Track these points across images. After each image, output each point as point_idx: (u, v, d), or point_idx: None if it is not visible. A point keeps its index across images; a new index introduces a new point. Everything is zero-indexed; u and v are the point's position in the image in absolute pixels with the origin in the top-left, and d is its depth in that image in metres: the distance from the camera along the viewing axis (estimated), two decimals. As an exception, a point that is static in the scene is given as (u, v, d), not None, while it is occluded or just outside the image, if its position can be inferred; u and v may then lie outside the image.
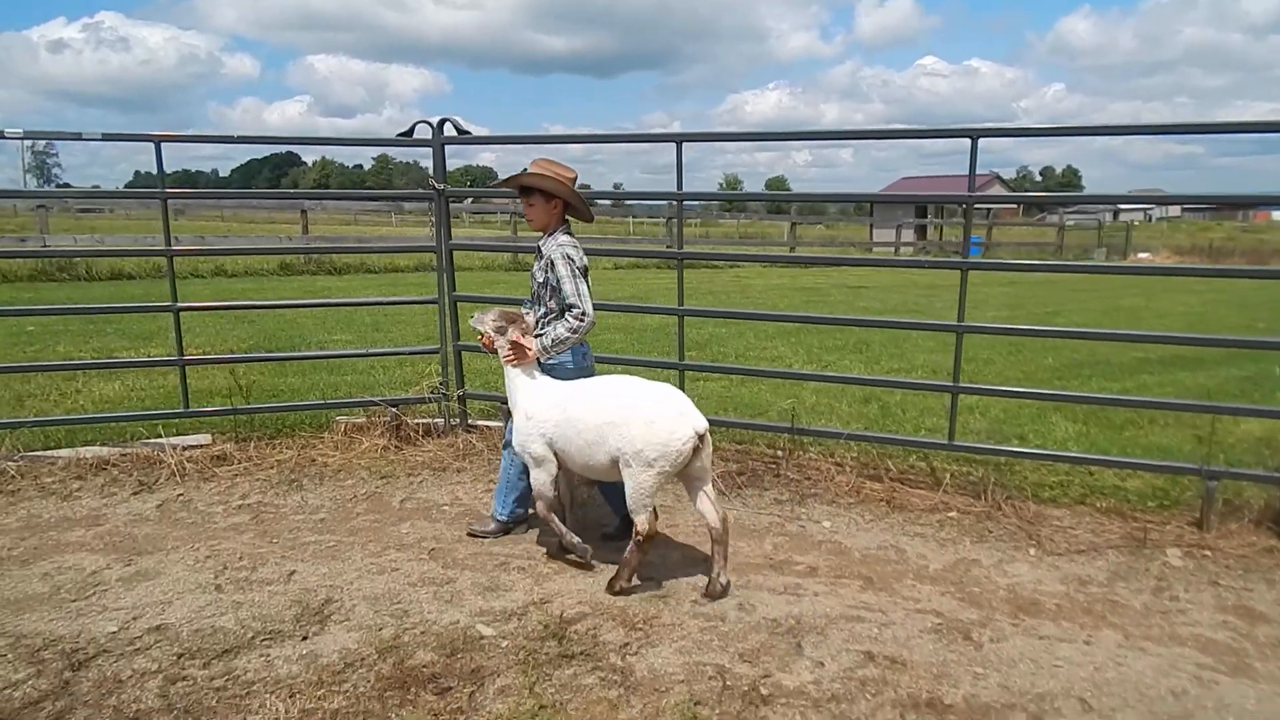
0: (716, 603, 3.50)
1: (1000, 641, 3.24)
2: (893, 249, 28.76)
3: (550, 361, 3.90)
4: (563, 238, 3.95)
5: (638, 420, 3.43)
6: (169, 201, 4.96)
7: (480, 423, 5.63)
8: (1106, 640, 3.28)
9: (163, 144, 4.68)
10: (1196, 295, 16.16)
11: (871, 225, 31.93)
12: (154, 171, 4.84)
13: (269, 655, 3.11)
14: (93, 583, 3.67)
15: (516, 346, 3.82)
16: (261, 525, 4.34)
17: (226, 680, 2.93)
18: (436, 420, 5.59)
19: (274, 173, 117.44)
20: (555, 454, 3.74)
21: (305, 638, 3.23)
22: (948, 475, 4.77)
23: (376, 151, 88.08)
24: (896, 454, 5.04)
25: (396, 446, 5.38)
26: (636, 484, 3.46)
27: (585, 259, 3.96)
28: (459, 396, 5.50)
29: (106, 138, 4.68)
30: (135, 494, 4.71)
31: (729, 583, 3.58)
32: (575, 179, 3.99)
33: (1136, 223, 47.46)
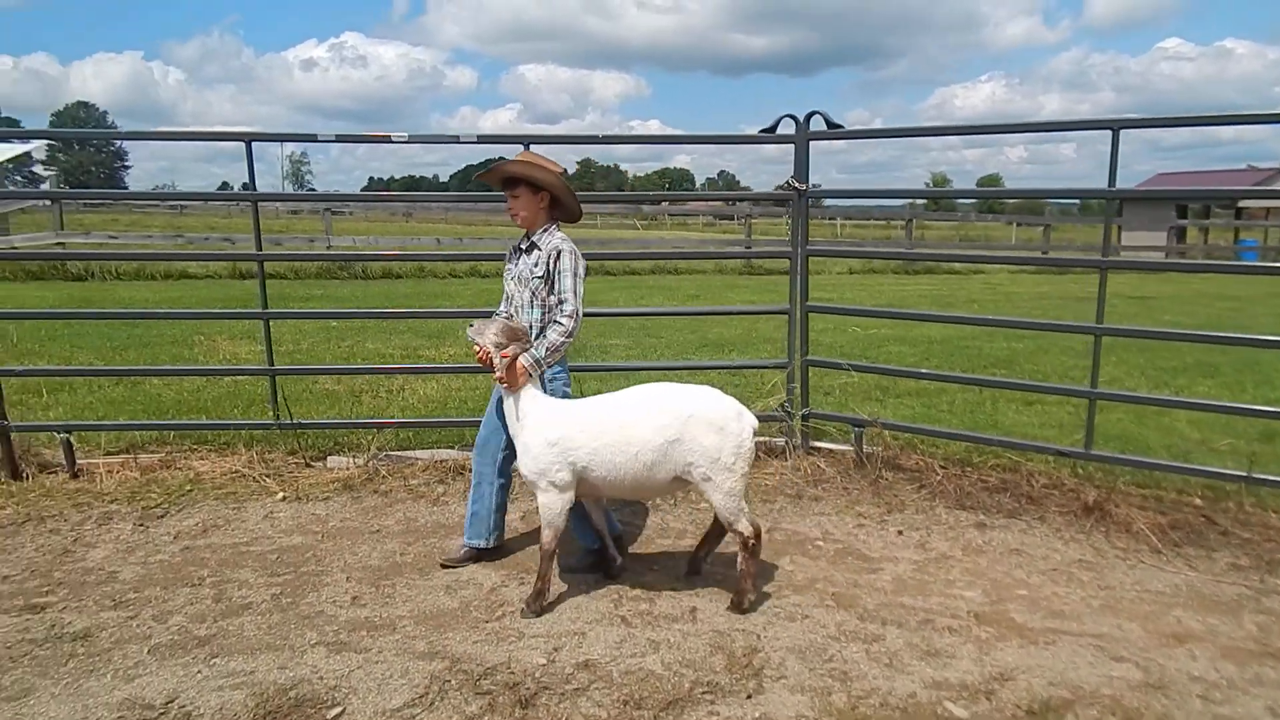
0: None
1: None
2: (1162, 253, 25.58)
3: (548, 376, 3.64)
4: (560, 234, 3.68)
5: (704, 428, 3.25)
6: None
7: (823, 445, 5.17)
8: None
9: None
10: None
11: (1119, 226, 28.75)
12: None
13: (718, 713, 2.78)
14: (497, 600, 3.55)
15: (510, 366, 3.40)
16: (631, 549, 4.11)
17: (694, 743, 2.62)
18: (776, 440, 5.20)
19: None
20: (588, 480, 3.36)
21: (749, 696, 2.88)
22: None
23: (586, 153, 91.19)
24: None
25: (738, 466, 5.03)
26: (724, 490, 3.30)
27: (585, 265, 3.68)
28: (803, 416, 5.07)
29: (482, 138, 4.67)
30: (494, 502, 4.65)
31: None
32: (563, 173, 3.68)
33: None
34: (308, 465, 5.07)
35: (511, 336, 3.43)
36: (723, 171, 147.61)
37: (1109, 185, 4.28)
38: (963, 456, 5.00)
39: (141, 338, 9.13)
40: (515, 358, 3.40)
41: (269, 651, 3.12)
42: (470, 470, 3.93)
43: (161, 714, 2.74)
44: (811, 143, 4.73)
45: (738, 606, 3.42)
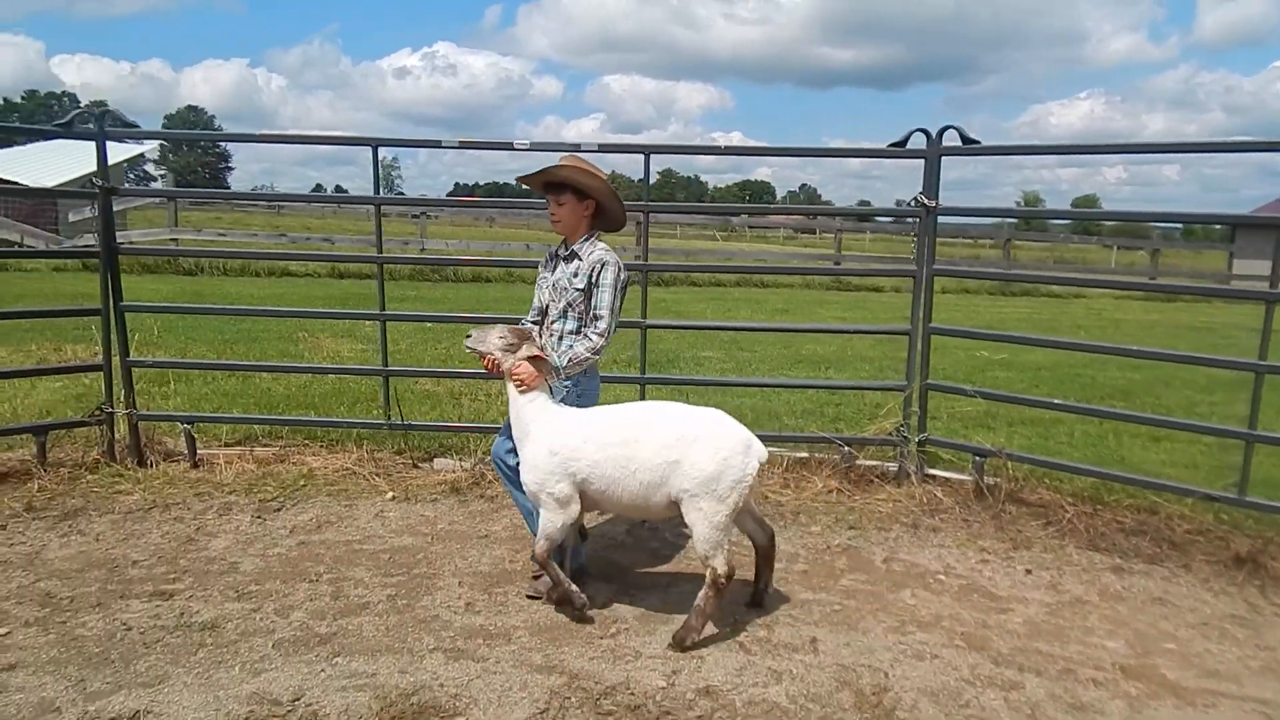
0: None
1: None
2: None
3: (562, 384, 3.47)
4: (602, 245, 3.54)
5: (708, 454, 3.09)
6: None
7: (938, 473, 4.95)
8: None
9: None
10: None
11: (1231, 254, 27.22)
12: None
13: (851, 755, 2.64)
14: (610, 617, 3.47)
15: (533, 363, 3.23)
16: (741, 570, 3.95)
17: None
18: (888, 465, 5.01)
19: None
20: (587, 495, 3.22)
21: (882, 738, 2.72)
22: None
23: (666, 164, 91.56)
24: None
25: (849, 491, 4.87)
26: (711, 521, 3.10)
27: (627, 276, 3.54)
28: (919, 442, 4.86)
29: (604, 148, 4.64)
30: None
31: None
32: (609, 179, 3.52)
33: None
34: (415, 466, 5.11)
35: (521, 337, 3.32)
36: (804, 185, 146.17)
37: None
38: (1091, 494, 4.71)
39: (249, 332, 9.46)
40: (533, 358, 3.27)
41: (389, 654, 3.12)
42: None
43: (289, 711, 2.75)
44: (943, 158, 4.54)
45: (679, 644, 3.19)
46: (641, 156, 4.86)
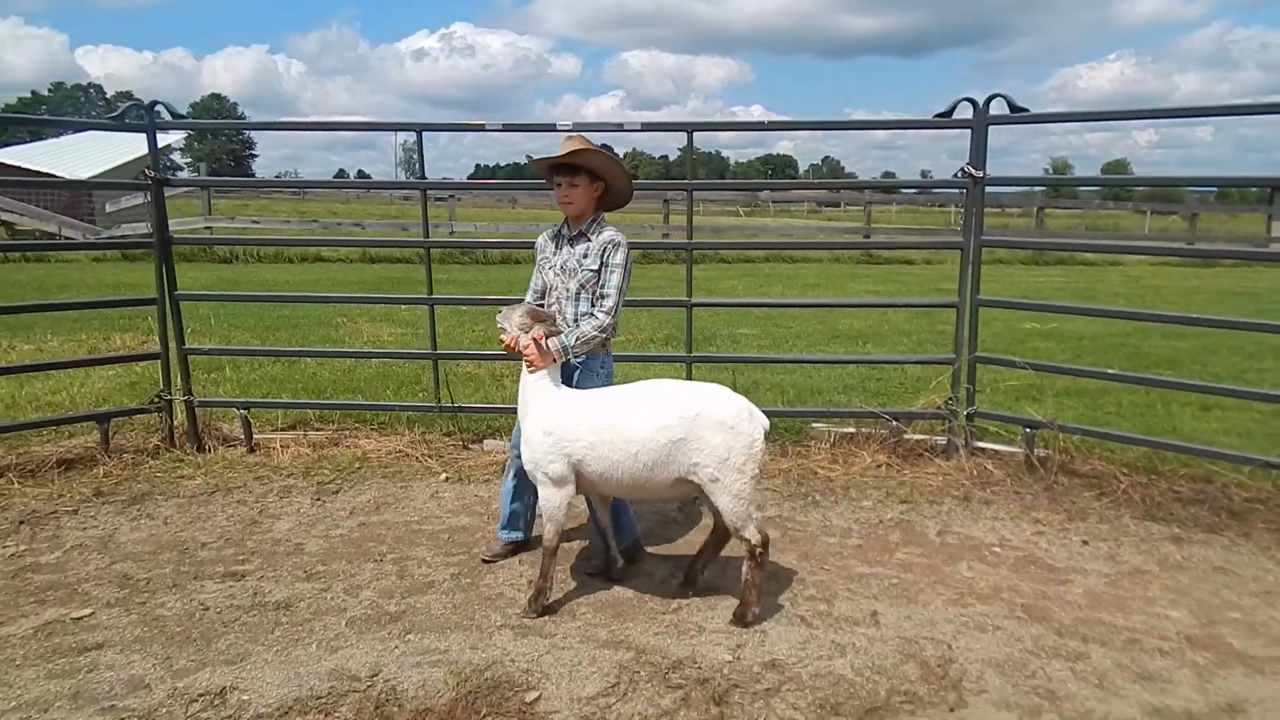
0: None
1: None
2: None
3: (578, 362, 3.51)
4: (611, 226, 3.55)
5: (713, 428, 3.09)
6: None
7: (986, 445, 4.94)
8: None
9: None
10: None
11: (1270, 216, 26.59)
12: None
13: (921, 725, 2.67)
14: (670, 592, 3.52)
15: (536, 347, 3.25)
16: (796, 545, 4.01)
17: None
18: (935, 439, 4.99)
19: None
20: (584, 476, 3.22)
21: (951, 709, 2.75)
22: None
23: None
24: None
25: (897, 465, 4.87)
26: (733, 492, 3.12)
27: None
28: (968, 415, 4.85)
29: (646, 126, 4.64)
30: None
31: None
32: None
33: None
34: (465, 447, 5.18)
35: (536, 318, 3.34)
36: (827, 157, 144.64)
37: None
38: (1145, 464, 4.68)
39: (290, 318, 9.59)
40: (543, 339, 3.30)
41: (458, 631, 3.19)
42: None
43: (369, 686, 2.83)
44: (990, 127, 4.48)
45: (740, 619, 3.21)
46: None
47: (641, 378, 3.47)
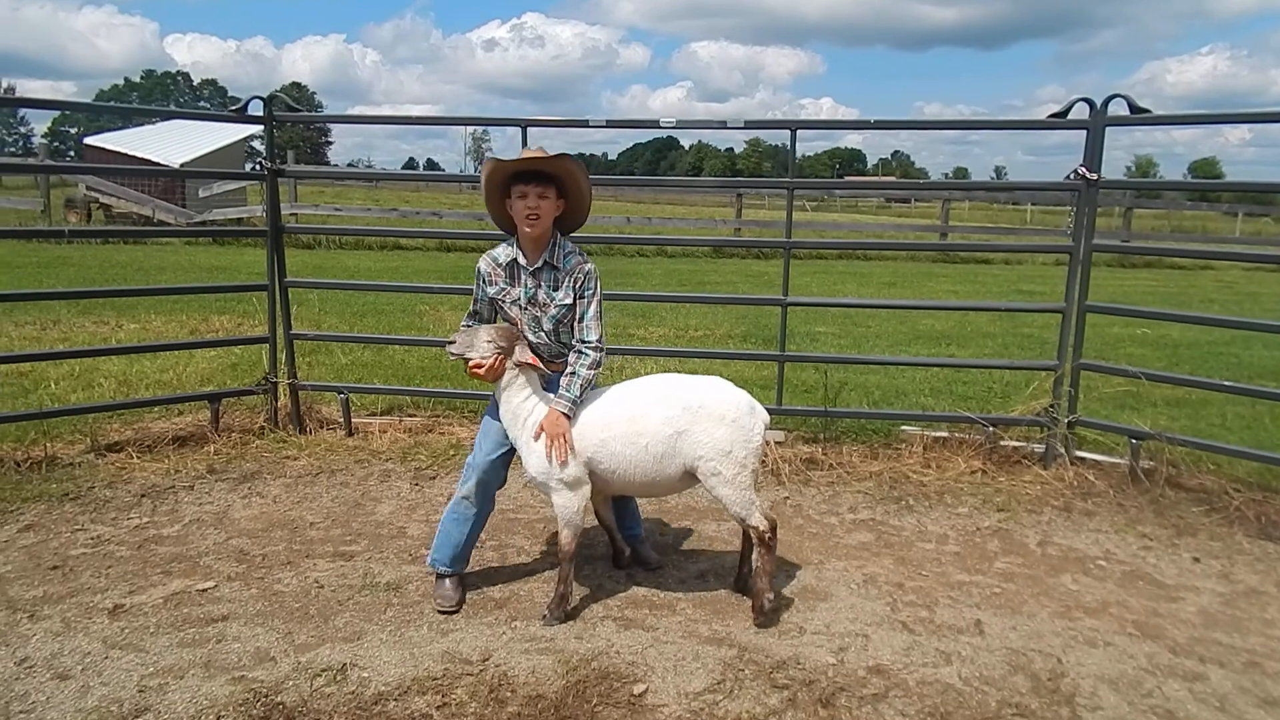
0: None
1: None
2: None
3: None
4: (577, 251, 3.26)
5: (714, 421, 3.10)
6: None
7: (1086, 455, 4.81)
8: None
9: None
10: None
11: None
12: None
13: (1034, 739, 2.63)
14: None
15: (522, 367, 3.16)
16: (891, 550, 3.98)
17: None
18: (1033, 446, 4.88)
19: (655, 156, 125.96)
20: (596, 474, 3.20)
21: (1066, 724, 2.70)
22: None
23: (752, 133, 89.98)
24: None
25: (993, 472, 4.78)
26: (734, 483, 3.14)
27: None
28: (1069, 422, 4.72)
29: (749, 124, 4.63)
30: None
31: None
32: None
33: None
34: (554, 438, 5.26)
35: (509, 337, 3.17)
36: (896, 152, 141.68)
37: None
38: (1258, 480, 4.50)
39: (374, 305, 9.86)
40: (534, 361, 3.17)
41: (563, 620, 3.25)
42: None
43: (481, 670, 2.91)
44: (1108, 129, 4.34)
45: (759, 611, 3.20)
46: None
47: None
